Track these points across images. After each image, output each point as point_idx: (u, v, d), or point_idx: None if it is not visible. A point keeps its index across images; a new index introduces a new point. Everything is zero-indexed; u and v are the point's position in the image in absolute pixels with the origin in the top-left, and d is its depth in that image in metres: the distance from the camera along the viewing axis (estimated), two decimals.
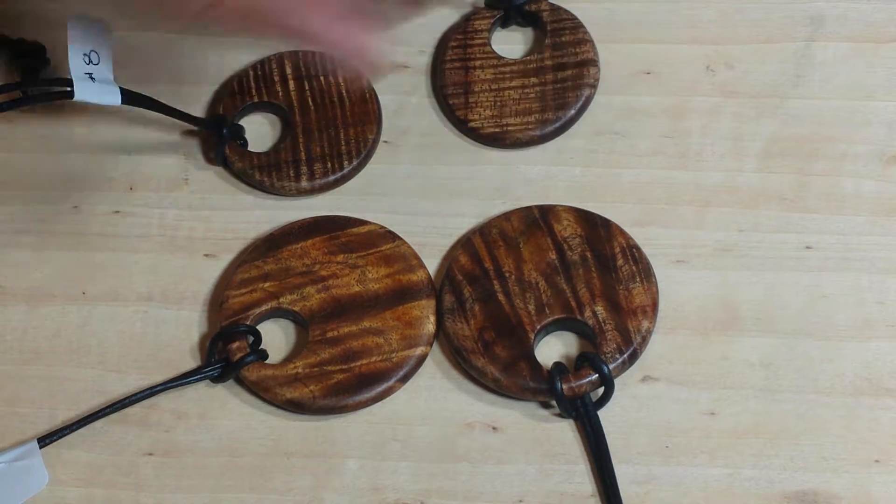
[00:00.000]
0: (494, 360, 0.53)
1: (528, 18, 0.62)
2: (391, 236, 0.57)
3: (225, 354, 0.54)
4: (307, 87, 0.60)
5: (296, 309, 0.55)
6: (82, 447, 0.54)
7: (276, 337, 0.56)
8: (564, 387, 0.52)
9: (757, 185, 0.58)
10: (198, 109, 0.61)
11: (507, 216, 0.57)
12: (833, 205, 0.57)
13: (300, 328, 0.56)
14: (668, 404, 0.53)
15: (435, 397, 0.54)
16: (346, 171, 0.59)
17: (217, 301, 0.56)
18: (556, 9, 0.61)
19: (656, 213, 0.57)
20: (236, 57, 0.62)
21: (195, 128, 0.60)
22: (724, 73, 0.60)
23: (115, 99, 0.54)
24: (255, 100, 0.60)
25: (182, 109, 0.58)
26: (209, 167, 0.60)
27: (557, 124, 0.59)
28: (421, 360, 0.54)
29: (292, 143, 0.59)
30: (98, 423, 0.54)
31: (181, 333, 0.56)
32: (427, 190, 0.59)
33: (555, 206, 0.57)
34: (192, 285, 0.57)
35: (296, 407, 0.54)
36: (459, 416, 0.54)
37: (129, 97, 0.54)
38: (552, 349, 0.55)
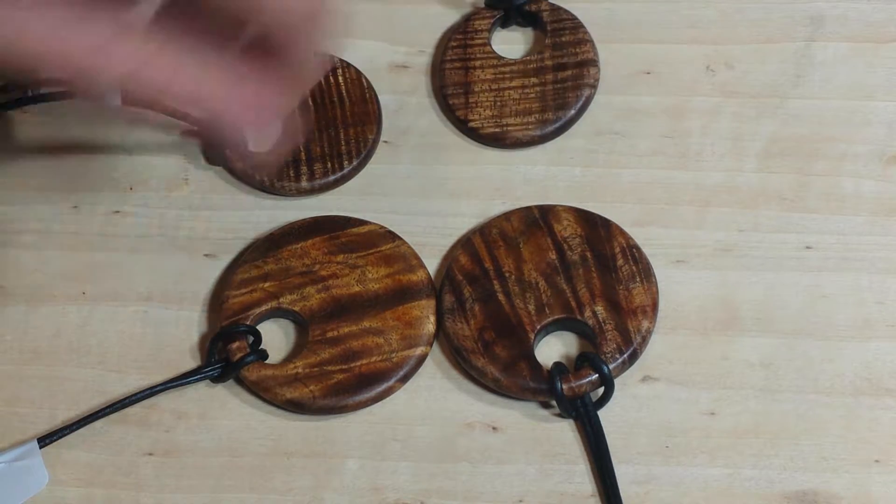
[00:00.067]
0: (494, 360, 0.53)
1: (528, 18, 0.62)
2: (391, 236, 0.57)
3: (225, 354, 0.54)
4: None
5: (296, 309, 0.55)
6: (82, 447, 0.54)
7: (276, 337, 0.56)
8: (564, 387, 0.52)
9: (757, 185, 0.58)
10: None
11: (507, 216, 0.57)
12: (833, 205, 0.57)
13: (300, 328, 0.56)
14: (668, 404, 0.53)
15: (435, 397, 0.54)
16: (346, 171, 0.59)
17: (217, 301, 0.56)
18: (556, 9, 0.61)
19: (656, 213, 0.57)
20: None
21: (195, 128, 0.60)
22: (724, 73, 0.60)
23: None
24: None
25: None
26: (209, 167, 0.60)
27: (557, 124, 0.59)
28: (421, 360, 0.54)
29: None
30: (98, 423, 0.54)
31: (181, 333, 0.56)
32: (427, 190, 0.59)
33: (555, 206, 0.57)
34: (192, 285, 0.57)
35: (296, 407, 0.54)
36: (459, 416, 0.54)
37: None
38: (552, 349, 0.55)
